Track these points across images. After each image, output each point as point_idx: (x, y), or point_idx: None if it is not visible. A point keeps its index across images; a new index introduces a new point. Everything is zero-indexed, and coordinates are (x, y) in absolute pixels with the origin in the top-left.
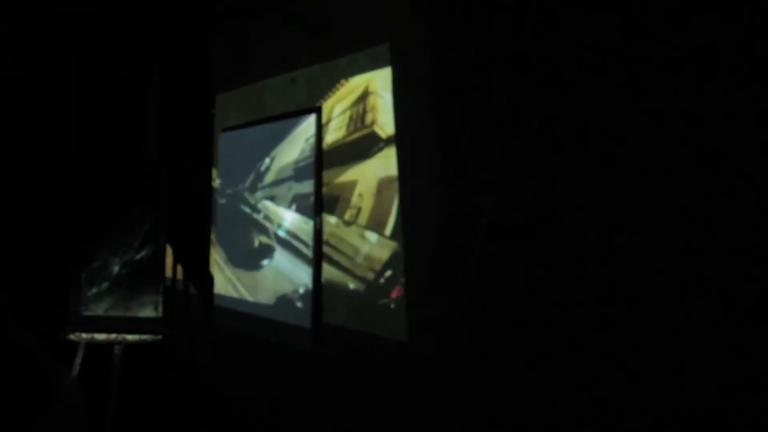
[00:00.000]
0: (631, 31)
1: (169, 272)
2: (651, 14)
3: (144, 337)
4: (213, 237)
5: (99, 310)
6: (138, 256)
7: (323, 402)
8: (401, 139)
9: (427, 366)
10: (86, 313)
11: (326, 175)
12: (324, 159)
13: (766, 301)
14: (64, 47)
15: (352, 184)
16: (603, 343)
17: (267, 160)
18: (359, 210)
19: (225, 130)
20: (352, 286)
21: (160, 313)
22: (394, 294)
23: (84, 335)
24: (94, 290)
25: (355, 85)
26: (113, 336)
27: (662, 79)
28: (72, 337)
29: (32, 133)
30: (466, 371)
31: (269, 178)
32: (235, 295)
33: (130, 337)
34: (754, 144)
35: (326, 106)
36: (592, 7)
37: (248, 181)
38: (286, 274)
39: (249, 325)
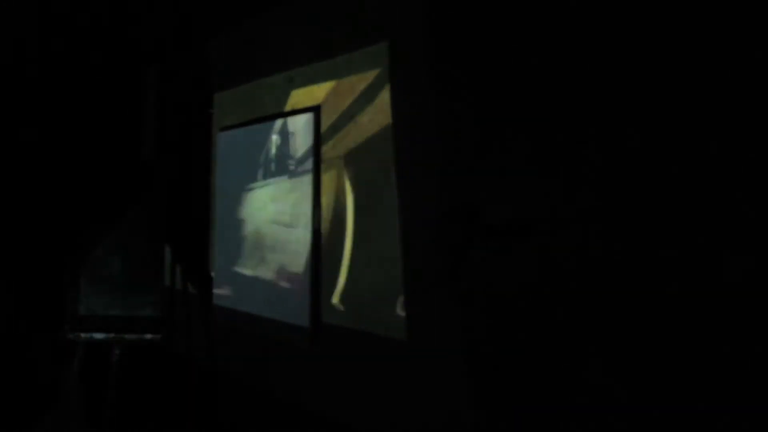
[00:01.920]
0: (636, 31)
1: (168, 271)
2: (654, 16)
3: (143, 336)
4: (212, 236)
5: (98, 309)
6: (137, 255)
7: (322, 401)
8: (399, 137)
9: (424, 365)
10: (85, 313)
11: None
12: None
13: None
14: (62, 47)
15: None
16: (602, 343)
17: (265, 158)
18: None
19: (223, 129)
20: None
21: (159, 312)
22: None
23: (83, 334)
24: (93, 289)
25: None
26: (112, 335)
27: (664, 79)
28: (71, 336)
29: (32, 133)
30: (463, 370)
31: (268, 175)
32: (234, 293)
33: (129, 336)
34: (754, 144)
35: None
36: (598, 6)
37: (247, 180)
38: (285, 273)
39: (248, 323)
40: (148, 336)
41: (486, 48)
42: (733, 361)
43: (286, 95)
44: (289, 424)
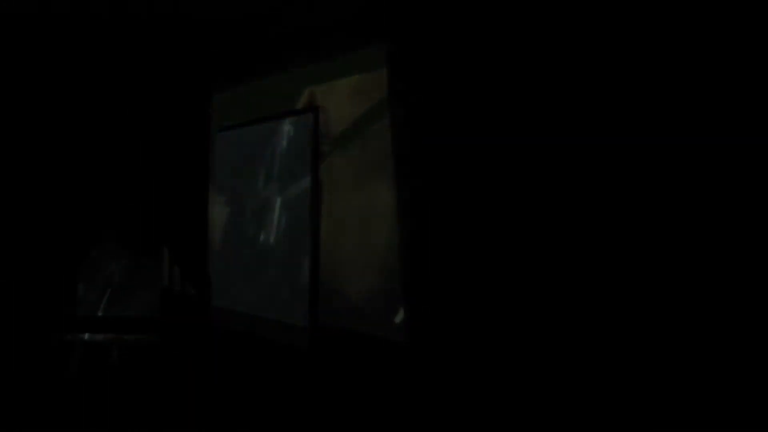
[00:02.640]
0: (629, 32)
1: (166, 272)
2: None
3: (142, 337)
4: (210, 236)
5: (97, 310)
6: (136, 257)
7: (321, 401)
8: (398, 137)
9: (424, 365)
10: (84, 314)
11: None
12: None
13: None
14: (62, 48)
15: None
16: (600, 344)
17: (264, 159)
18: None
19: (222, 129)
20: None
21: (157, 313)
22: None
23: (81, 335)
24: (92, 291)
25: None
26: (111, 336)
27: (662, 80)
28: (70, 337)
29: (31, 133)
30: (463, 370)
31: (267, 176)
32: (232, 294)
33: (128, 337)
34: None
35: None
36: (590, 8)
37: (246, 181)
38: (283, 273)
39: (247, 324)
40: (147, 337)
41: (485, 49)
42: (723, 361)
43: (286, 96)
44: (288, 424)
